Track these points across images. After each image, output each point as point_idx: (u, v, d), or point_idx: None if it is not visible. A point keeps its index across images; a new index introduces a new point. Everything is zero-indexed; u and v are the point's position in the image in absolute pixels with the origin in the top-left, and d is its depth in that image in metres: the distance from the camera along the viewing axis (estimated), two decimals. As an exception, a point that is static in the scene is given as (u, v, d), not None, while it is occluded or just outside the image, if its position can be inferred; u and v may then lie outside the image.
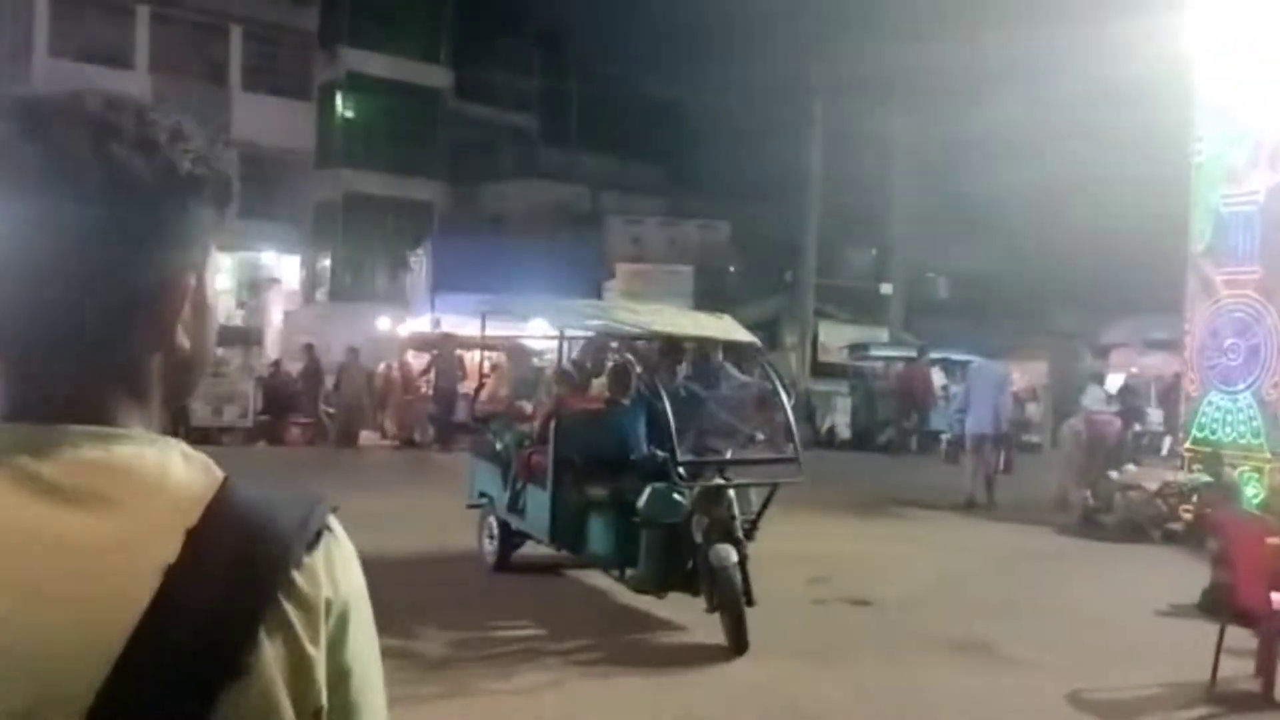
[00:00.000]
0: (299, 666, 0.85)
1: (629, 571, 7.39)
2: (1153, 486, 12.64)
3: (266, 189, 29.40)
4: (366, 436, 19.93)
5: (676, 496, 7.08)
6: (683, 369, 8.42)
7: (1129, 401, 14.26)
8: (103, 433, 0.87)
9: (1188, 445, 13.71)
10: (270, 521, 0.86)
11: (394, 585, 6.57)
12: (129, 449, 0.87)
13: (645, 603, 7.53)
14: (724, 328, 7.83)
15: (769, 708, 5.95)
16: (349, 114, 32.36)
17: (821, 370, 23.28)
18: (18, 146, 0.86)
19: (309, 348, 20.54)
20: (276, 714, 0.84)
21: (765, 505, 7.25)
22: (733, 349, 8.87)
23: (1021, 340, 22.99)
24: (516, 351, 9.85)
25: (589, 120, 36.18)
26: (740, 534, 6.94)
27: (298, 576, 0.85)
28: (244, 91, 30.06)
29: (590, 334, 8.86)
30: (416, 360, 21.66)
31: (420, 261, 27.36)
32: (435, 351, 20.34)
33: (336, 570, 0.89)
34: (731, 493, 7.01)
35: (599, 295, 24.50)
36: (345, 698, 0.90)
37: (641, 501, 7.16)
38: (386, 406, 20.71)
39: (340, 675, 0.89)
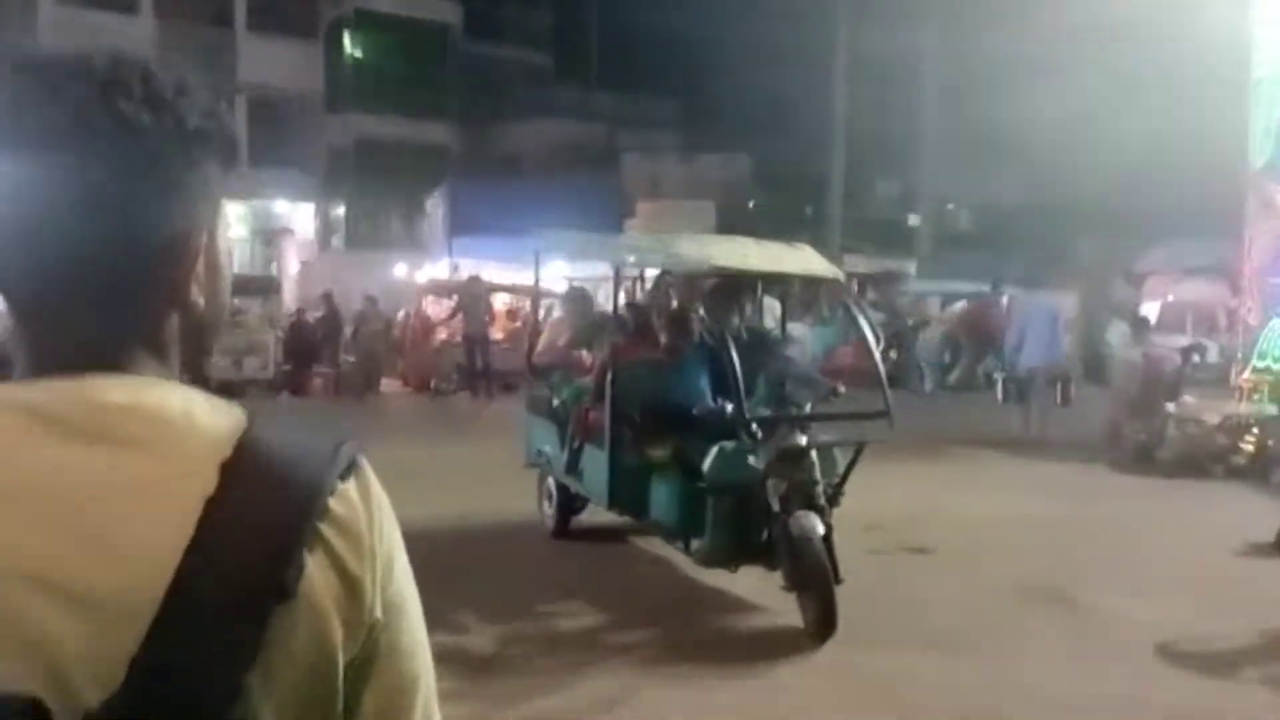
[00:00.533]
0: (346, 588, 0.86)
1: (694, 543, 6.58)
2: (1214, 419, 12.03)
3: (277, 134, 28.52)
4: (386, 385, 19.24)
5: (748, 457, 6.29)
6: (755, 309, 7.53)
7: (1142, 335, 13.62)
8: (127, 380, 0.87)
9: (1246, 375, 13.06)
10: (301, 454, 0.87)
11: (437, 555, 5.76)
12: (155, 394, 0.87)
13: (718, 578, 6.71)
14: (802, 261, 6.86)
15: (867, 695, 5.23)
16: (358, 54, 31.27)
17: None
18: (29, 107, 0.85)
19: (328, 296, 19.78)
20: (326, 635, 0.84)
21: (851, 467, 6.38)
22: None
23: (1050, 271, 22.13)
24: (576, 296, 8.94)
25: (604, 56, 35.09)
26: (824, 500, 6.12)
27: (334, 503, 0.86)
28: (250, 33, 29.01)
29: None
30: (436, 306, 20.90)
31: (436, 206, 26.56)
32: (455, 297, 19.55)
33: (371, 501, 0.90)
34: (814, 453, 6.19)
35: (620, 228, 23.68)
36: (394, 632, 0.90)
37: (707, 463, 6.37)
38: (404, 354, 20.01)
39: (386, 608, 0.89)
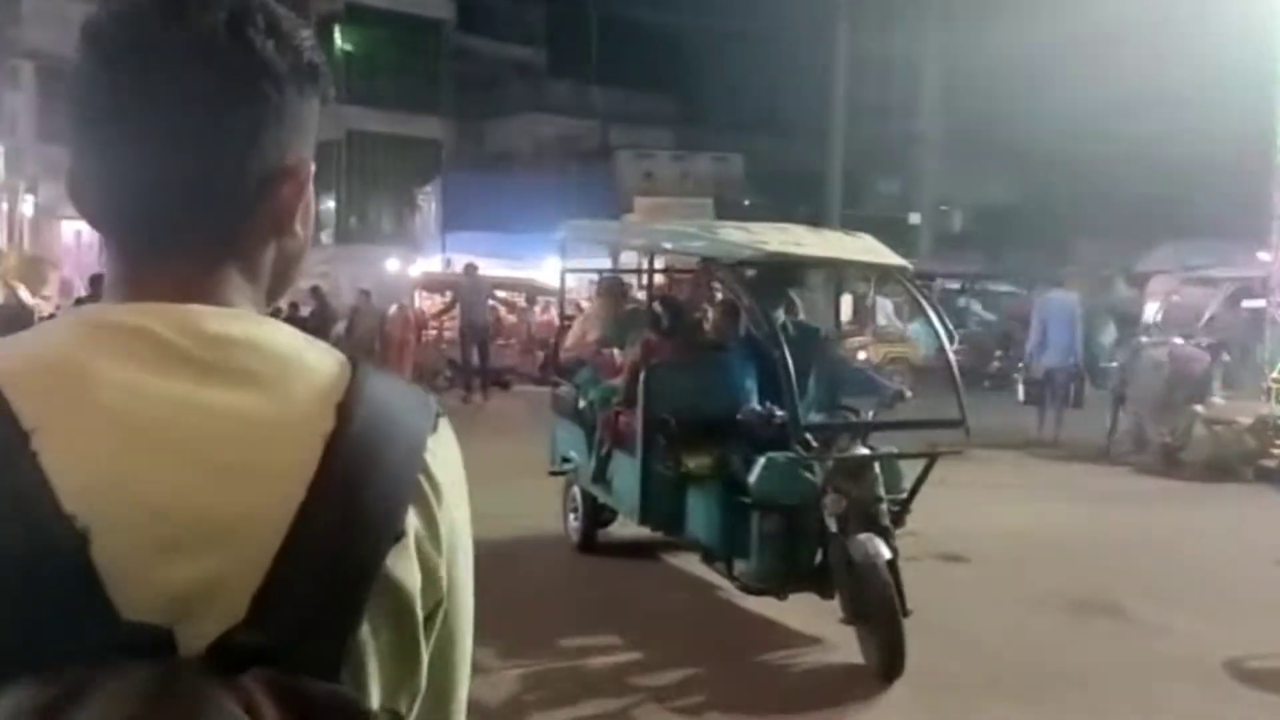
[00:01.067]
0: (431, 536, 0.85)
1: (739, 565, 5.82)
2: (1245, 421, 11.49)
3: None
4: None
5: (801, 470, 5.56)
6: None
7: (1126, 338, 13.23)
8: (234, 313, 0.86)
9: (1276, 375, 12.59)
10: (402, 400, 0.87)
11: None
12: (266, 330, 0.86)
13: (766, 606, 5.96)
14: (864, 249, 6.13)
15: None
16: (348, 48, 30.42)
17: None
18: (156, 30, 0.84)
19: (316, 290, 18.96)
20: (414, 591, 0.83)
21: (920, 482, 5.64)
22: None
23: (1052, 271, 21.54)
24: (611, 289, 8.13)
25: (598, 52, 34.16)
26: (888, 520, 5.39)
27: (428, 455, 0.86)
28: None
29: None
30: (429, 301, 20.12)
31: (429, 200, 25.74)
32: (448, 293, 18.72)
33: (450, 455, 0.90)
34: (877, 466, 5.45)
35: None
36: (454, 599, 0.89)
37: (753, 475, 5.63)
38: (392, 348, 19.22)
39: (450, 586, 0.88)
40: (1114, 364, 13.54)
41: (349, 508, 0.79)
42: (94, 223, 0.88)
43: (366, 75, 29.74)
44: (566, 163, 29.79)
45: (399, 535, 0.81)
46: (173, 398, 0.79)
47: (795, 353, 5.71)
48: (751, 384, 6.09)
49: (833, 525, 5.39)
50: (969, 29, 22.43)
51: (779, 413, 5.72)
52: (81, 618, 0.73)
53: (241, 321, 0.85)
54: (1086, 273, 22.25)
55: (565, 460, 7.55)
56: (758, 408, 5.84)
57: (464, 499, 0.91)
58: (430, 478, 0.85)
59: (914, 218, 23.59)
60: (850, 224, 24.55)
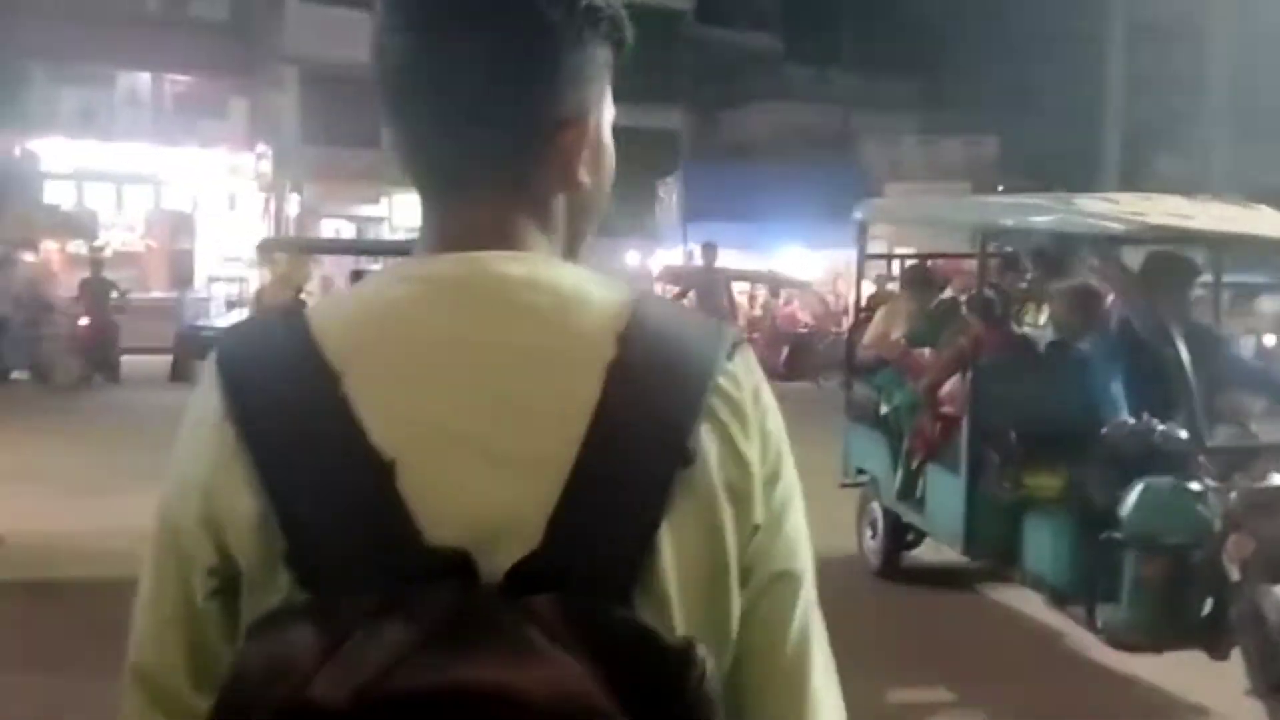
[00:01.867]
0: (736, 461, 0.85)
1: (1103, 611, 4.66)
2: None
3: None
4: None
5: (1193, 501, 4.36)
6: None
7: None
8: (519, 255, 0.89)
9: None
10: (691, 329, 0.88)
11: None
12: (550, 269, 0.88)
13: (1134, 664, 4.79)
14: (1271, 222, 4.91)
15: None
16: (589, 42, 30.18)
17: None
18: None
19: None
20: (718, 515, 0.83)
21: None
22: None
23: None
24: (918, 277, 7.07)
25: (835, 35, 32.76)
26: (1314, 570, 4.12)
27: (723, 380, 0.86)
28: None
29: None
30: (670, 294, 19.44)
31: (670, 192, 25.17)
32: (680, 286, 17.84)
33: (756, 383, 0.89)
34: (1302, 503, 4.17)
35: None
36: (773, 528, 0.88)
37: (1128, 505, 4.45)
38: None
39: (769, 514, 0.87)
40: None
41: (630, 433, 0.81)
42: (412, 179, 0.92)
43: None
44: (807, 151, 28.66)
45: (688, 459, 0.81)
46: (463, 337, 0.83)
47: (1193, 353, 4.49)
48: (1117, 390, 4.87)
49: (1234, 572, 4.18)
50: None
51: (1161, 428, 4.52)
52: (390, 543, 0.77)
53: (524, 263, 0.87)
54: None
55: (860, 471, 6.55)
56: (1132, 421, 4.63)
57: (776, 424, 0.89)
58: (729, 400, 0.85)
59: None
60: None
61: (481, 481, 0.79)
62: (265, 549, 0.79)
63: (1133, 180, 23.36)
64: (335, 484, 0.78)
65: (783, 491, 0.88)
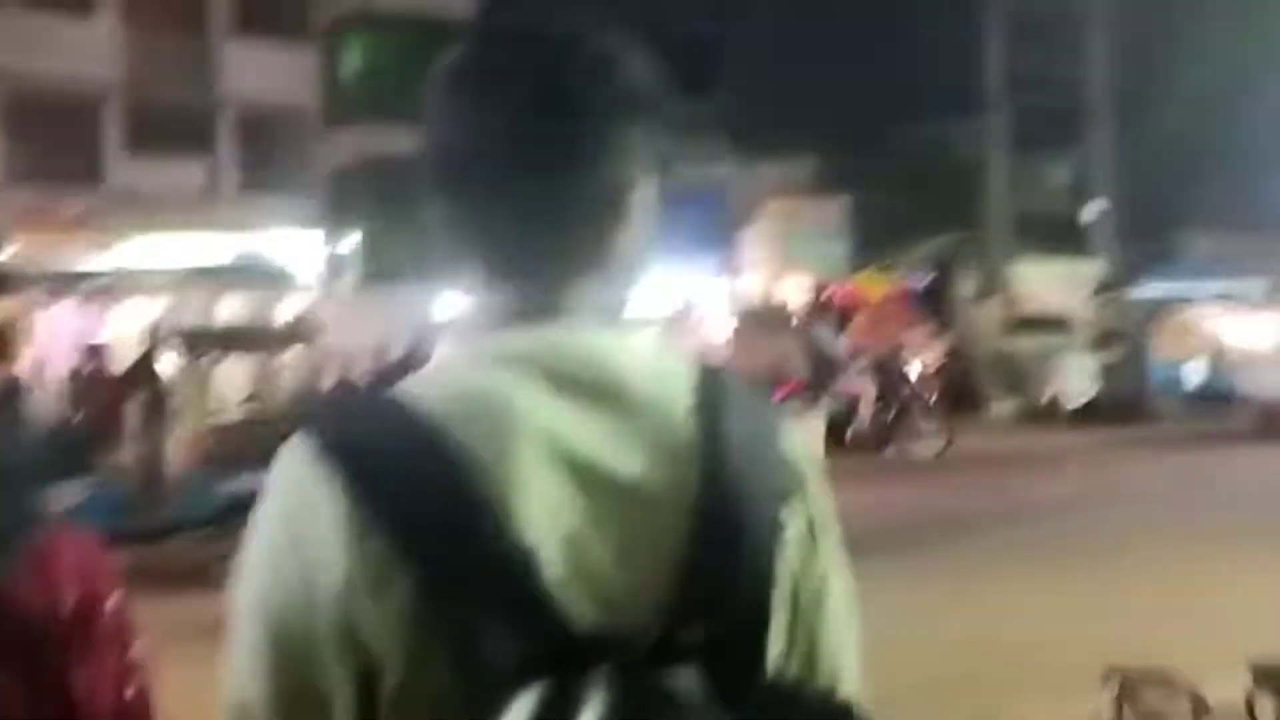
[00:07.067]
0: (811, 529, 0.89)
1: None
2: None
3: (267, 153, 22.13)
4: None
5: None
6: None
7: None
8: (593, 330, 0.89)
9: None
10: (750, 399, 0.91)
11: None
12: (620, 343, 0.90)
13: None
14: None
15: None
16: (360, 58, 24.83)
17: (1025, 323, 16.07)
18: (487, 75, 0.90)
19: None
20: (801, 565, 0.87)
21: None
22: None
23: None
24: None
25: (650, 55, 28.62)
26: None
27: (785, 445, 0.90)
28: (232, 38, 22.41)
29: None
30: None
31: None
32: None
33: (801, 443, 0.93)
34: None
35: (730, 242, 18.10)
36: (829, 584, 0.91)
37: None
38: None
39: (820, 570, 0.90)
40: None
41: (738, 510, 0.83)
42: (466, 258, 0.92)
43: (382, 89, 23.96)
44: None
45: (783, 526, 0.86)
46: (574, 419, 0.83)
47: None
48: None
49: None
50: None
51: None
52: (538, 629, 0.78)
53: (600, 337, 0.89)
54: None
55: None
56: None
57: (824, 483, 0.92)
58: (793, 468, 0.89)
59: (1090, 210, 17.88)
60: (1018, 224, 19.16)
61: (607, 565, 0.81)
62: (416, 645, 0.79)
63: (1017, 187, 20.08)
64: (487, 576, 0.78)
65: (833, 548, 0.91)
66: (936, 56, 17.85)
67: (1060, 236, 18.60)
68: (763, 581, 0.83)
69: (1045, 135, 19.21)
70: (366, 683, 0.79)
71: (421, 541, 0.78)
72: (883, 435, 11.92)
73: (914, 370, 13.08)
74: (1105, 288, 16.56)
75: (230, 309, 16.98)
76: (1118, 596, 5.96)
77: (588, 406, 0.84)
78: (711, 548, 0.81)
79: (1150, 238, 17.62)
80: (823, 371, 11.96)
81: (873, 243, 19.84)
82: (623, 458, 0.83)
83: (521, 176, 0.88)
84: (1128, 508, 8.92)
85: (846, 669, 0.91)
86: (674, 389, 0.87)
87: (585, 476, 0.82)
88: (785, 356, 13.45)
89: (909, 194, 21.34)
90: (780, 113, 25.77)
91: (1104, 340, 15.89)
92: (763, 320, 14.40)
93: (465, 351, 0.91)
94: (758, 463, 0.86)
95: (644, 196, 0.94)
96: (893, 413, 11.96)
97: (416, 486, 0.79)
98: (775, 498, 0.85)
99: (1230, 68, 17.22)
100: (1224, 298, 15.11)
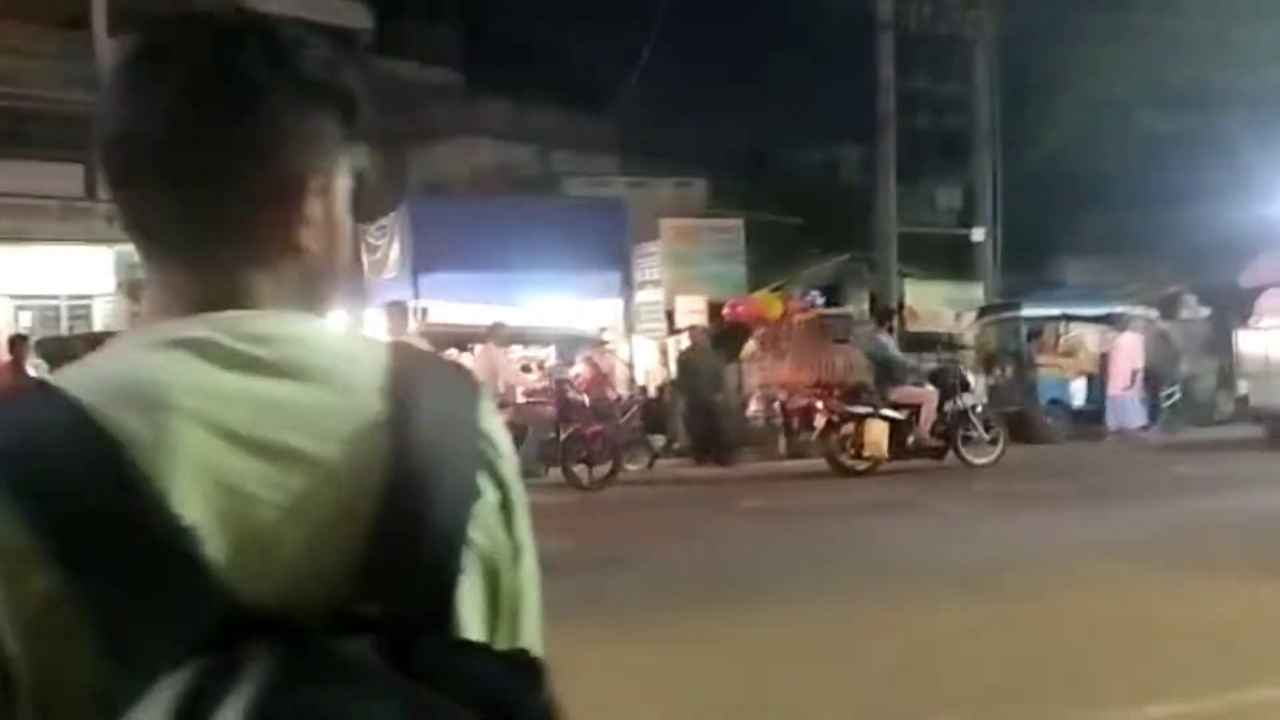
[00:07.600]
0: (505, 500, 0.87)
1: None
2: None
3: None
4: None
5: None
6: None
7: None
8: (276, 313, 0.87)
9: None
10: (448, 377, 0.89)
11: None
12: (308, 327, 0.87)
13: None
14: None
15: None
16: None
17: (914, 343, 16.86)
18: (159, 60, 0.86)
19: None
20: (499, 534, 0.87)
21: None
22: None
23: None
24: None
25: (523, 69, 28.57)
26: None
27: (482, 423, 0.88)
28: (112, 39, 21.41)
29: None
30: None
31: (385, 237, 19.62)
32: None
33: (498, 425, 0.90)
34: None
35: (628, 261, 18.05)
36: (524, 557, 0.90)
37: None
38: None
39: (518, 536, 0.90)
40: None
41: (427, 481, 0.81)
42: (140, 247, 0.89)
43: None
44: (513, 190, 24.27)
45: (476, 493, 0.84)
46: (244, 394, 0.81)
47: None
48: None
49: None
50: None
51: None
52: (201, 607, 0.74)
53: (285, 321, 0.86)
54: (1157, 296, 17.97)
55: None
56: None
57: (520, 484, 0.91)
58: (489, 440, 0.87)
59: (977, 234, 18.79)
60: (907, 246, 19.95)
61: (283, 538, 0.78)
62: (60, 635, 0.74)
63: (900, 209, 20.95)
64: (140, 556, 0.75)
65: (526, 521, 0.91)
66: (828, 80, 18.50)
67: (949, 259, 19.59)
68: (452, 550, 0.81)
69: (935, 159, 20.21)
70: (3, 682, 0.74)
71: (60, 524, 0.74)
72: (941, 442, 12.24)
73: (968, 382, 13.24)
74: (991, 309, 17.44)
75: None
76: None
77: (264, 384, 0.81)
78: (398, 518, 0.79)
79: (1031, 263, 18.66)
80: (884, 379, 12.29)
81: (764, 264, 20.22)
82: (304, 433, 0.80)
83: (181, 161, 0.84)
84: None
85: (537, 631, 0.91)
86: (366, 368, 0.84)
87: (259, 451, 0.79)
88: (847, 365, 13.78)
89: (800, 216, 22.00)
90: (674, 134, 26.36)
91: (991, 361, 16.67)
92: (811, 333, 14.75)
93: (133, 338, 0.87)
94: (452, 436, 0.84)
95: (332, 190, 0.89)
96: (950, 420, 12.24)
97: (53, 468, 0.75)
98: (469, 467, 0.84)
99: (1106, 97, 18.45)
100: (1102, 320, 16.18)
